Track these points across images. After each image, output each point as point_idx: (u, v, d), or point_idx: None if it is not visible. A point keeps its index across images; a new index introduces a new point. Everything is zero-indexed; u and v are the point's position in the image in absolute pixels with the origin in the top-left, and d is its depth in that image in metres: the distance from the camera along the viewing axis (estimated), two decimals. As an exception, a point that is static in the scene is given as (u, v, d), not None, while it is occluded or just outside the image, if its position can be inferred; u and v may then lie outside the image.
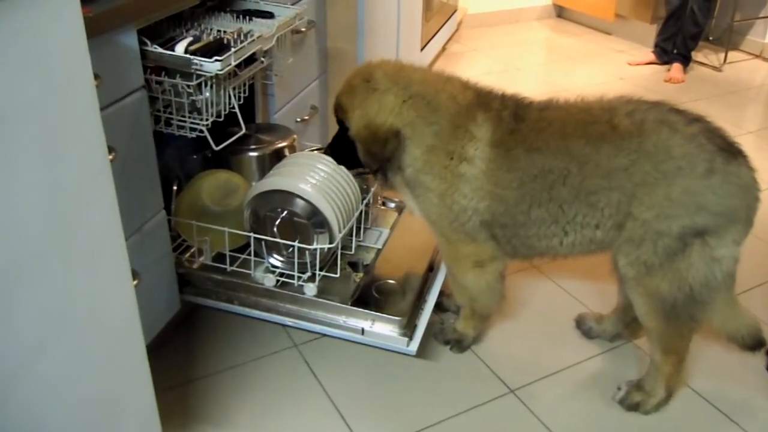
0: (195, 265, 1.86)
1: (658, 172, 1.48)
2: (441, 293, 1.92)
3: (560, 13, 5.29)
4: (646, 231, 1.52)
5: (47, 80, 0.95)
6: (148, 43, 1.51)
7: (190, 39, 1.60)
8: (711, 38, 4.46)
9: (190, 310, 1.94)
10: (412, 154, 1.61)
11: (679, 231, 1.49)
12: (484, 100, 1.62)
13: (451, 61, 4.28)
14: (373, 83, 1.60)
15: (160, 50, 1.52)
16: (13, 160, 0.92)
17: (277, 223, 1.77)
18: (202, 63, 1.52)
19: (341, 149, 1.72)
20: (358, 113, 1.61)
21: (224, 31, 1.71)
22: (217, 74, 1.55)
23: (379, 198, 2.18)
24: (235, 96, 1.74)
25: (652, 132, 1.49)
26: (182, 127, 1.66)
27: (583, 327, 1.99)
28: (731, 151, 1.50)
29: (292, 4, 1.98)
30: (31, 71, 0.92)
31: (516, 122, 1.58)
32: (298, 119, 2.28)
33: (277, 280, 1.81)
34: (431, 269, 1.97)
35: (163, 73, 1.57)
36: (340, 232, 1.78)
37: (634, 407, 1.71)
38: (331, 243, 1.78)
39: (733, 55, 4.33)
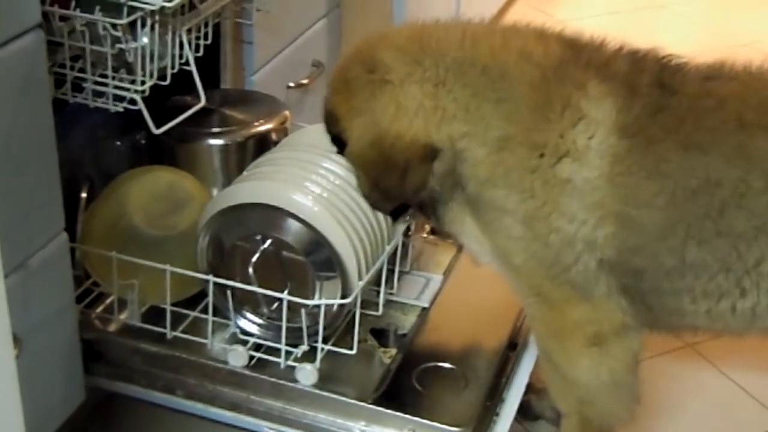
0: (113, 327, 1.75)
1: None
2: (528, 388, 1.77)
3: None
4: None
5: None
6: (48, -47, 1.33)
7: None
8: None
9: (103, 400, 1.80)
10: (473, 157, 1.51)
11: None
12: (592, 58, 1.53)
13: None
14: (381, 71, 1.52)
15: (67, -35, 1.36)
16: None
17: (254, 259, 1.65)
18: (138, -12, 1.38)
19: None
20: (359, 122, 1.54)
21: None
22: (162, 7, 1.50)
23: (424, 224, 2.07)
24: (190, 44, 1.68)
25: None
26: (101, 94, 1.61)
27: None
28: None
29: None
30: None
31: (662, 97, 1.49)
32: (293, 84, 2.23)
33: (251, 357, 1.69)
34: (514, 346, 1.83)
35: (74, 5, 1.50)
36: (360, 278, 1.64)
37: None
38: (344, 296, 1.66)
39: None
